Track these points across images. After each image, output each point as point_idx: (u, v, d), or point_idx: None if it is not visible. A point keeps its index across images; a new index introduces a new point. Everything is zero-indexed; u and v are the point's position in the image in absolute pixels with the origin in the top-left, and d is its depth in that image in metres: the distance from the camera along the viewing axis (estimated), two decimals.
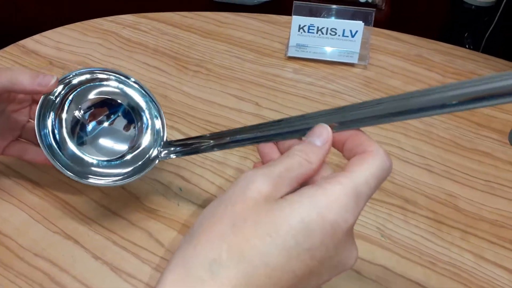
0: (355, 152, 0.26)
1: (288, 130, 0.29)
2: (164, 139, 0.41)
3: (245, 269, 0.21)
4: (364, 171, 0.24)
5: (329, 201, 0.23)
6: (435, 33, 1.15)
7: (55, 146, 0.39)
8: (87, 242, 0.41)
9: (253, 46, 0.67)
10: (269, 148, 0.29)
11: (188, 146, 0.38)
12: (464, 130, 0.54)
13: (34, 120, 0.38)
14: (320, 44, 0.65)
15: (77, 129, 0.41)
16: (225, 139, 0.34)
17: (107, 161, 0.40)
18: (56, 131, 0.39)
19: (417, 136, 0.53)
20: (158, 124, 0.41)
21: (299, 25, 0.64)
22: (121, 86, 0.42)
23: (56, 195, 0.45)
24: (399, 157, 0.50)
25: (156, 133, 0.41)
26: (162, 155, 0.40)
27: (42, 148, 0.37)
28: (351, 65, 0.64)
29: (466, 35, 1.07)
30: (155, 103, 0.42)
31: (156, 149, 0.40)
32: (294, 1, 0.64)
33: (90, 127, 0.41)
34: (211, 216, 0.24)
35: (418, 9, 1.15)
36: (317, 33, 0.64)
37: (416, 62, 0.65)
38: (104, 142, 0.41)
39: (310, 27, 0.64)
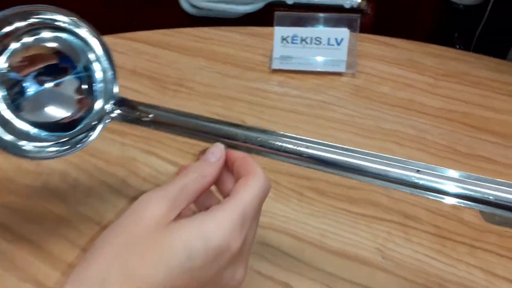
0: (241, 174, 0.28)
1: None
2: (115, 93, 0.35)
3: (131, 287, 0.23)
4: (248, 194, 0.27)
5: (216, 227, 0.25)
6: (424, 35, 1.13)
7: None
8: None
9: (236, 61, 0.65)
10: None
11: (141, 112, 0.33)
12: (460, 135, 0.51)
13: None
14: (305, 55, 0.62)
15: (13, 91, 0.33)
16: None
17: (47, 128, 0.33)
18: None
19: (411, 144, 0.50)
20: (109, 75, 0.35)
21: (282, 36, 0.61)
22: (65, 32, 0.34)
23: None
24: None
25: (106, 88, 0.35)
26: (115, 114, 0.34)
27: None
28: (339, 74, 0.61)
29: (456, 35, 1.05)
30: (107, 51, 0.36)
31: (106, 105, 0.34)
32: (275, 12, 0.62)
33: (28, 88, 0.33)
34: (105, 240, 0.25)
35: (405, 12, 1.14)
36: (301, 43, 0.62)
37: (407, 67, 0.62)
38: (45, 106, 0.34)
39: (294, 38, 0.62)
